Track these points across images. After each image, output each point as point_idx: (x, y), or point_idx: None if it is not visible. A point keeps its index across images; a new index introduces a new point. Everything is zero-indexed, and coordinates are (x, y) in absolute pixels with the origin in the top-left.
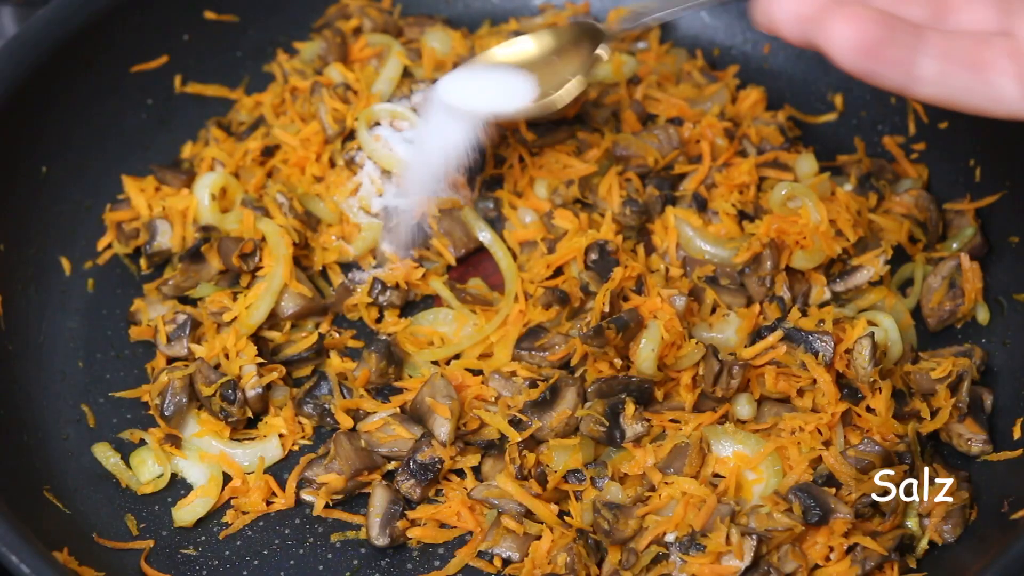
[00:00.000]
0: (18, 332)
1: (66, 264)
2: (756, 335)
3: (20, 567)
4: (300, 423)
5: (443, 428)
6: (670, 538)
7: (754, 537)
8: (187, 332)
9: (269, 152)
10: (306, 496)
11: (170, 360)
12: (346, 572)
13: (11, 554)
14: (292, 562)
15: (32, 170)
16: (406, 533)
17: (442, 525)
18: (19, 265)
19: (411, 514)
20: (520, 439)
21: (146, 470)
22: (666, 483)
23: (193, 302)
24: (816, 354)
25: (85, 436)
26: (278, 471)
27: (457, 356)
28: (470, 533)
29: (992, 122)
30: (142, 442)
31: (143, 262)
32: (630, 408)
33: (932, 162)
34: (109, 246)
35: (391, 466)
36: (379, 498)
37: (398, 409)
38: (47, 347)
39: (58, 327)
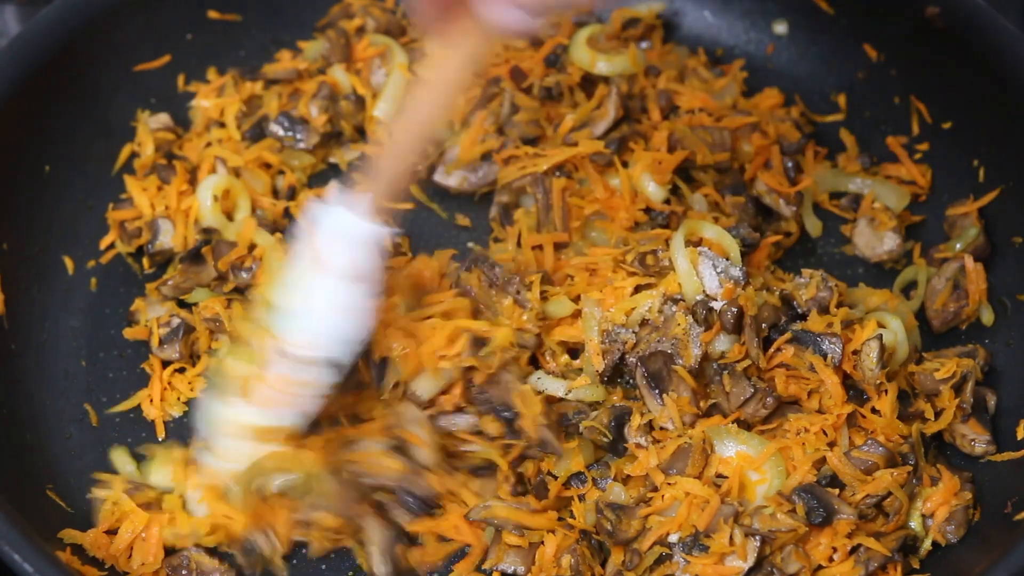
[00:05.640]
0: (21, 331)
1: (69, 263)
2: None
3: (23, 566)
4: None
5: (425, 456)
6: (673, 539)
7: (757, 538)
8: (179, 336)
9: None
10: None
11: (164, 363)
12: (348, 572)
13: (14, 553)
14: (294, 561)
15: (35, 169)
16: (407, 556)
17: (441, 538)
18: (22, 264)
19: (408, 527)
20: (508, 462)
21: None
22: (669, 484)
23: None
24: (825, 356)
25: (88, 435)
26: None
27: None
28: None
29: (996, 122)
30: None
31: (145, 261)
32: (636, 420)
33: (935, 163)
34: (112, 245)
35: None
36: (375, 531)
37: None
38: (50, 346)
39: (61, 326)
